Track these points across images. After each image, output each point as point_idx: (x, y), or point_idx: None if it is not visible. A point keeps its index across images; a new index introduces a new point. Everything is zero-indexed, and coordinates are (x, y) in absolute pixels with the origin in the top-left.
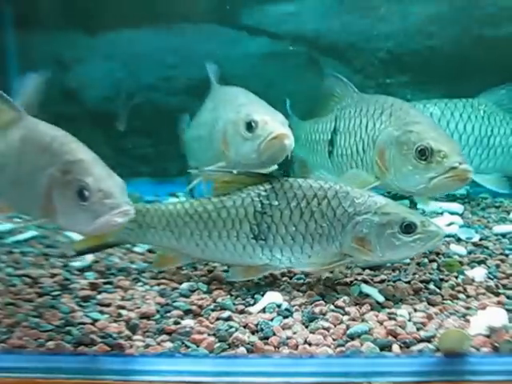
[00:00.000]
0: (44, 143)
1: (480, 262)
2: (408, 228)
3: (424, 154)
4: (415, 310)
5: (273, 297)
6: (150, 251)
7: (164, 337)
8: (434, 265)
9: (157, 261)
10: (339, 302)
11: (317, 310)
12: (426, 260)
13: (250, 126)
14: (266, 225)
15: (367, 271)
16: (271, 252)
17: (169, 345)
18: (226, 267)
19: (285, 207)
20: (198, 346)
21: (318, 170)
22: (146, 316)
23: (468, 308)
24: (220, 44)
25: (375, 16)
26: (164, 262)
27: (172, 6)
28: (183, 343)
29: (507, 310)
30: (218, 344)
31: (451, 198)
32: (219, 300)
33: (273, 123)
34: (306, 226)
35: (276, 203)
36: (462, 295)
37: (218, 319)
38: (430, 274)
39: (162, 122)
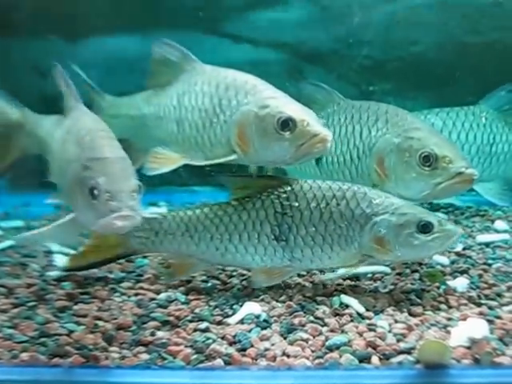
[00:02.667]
0: (79, 135)
1: (462, 272)
2: (425, 227)
3: (428, 161)
4: (396, 321)
5: (251, 307)
6: (128, 260)
7: (140, 348)
8: (416, 275)
9: (170, 271)
10: (319, 313)
11: (296, 321)
12: (407, 270)
13: (286, 125)
14: (286, 226)
15: (348, 281)
16: (292, 253)
17: (145, 356)
18: (204, 277)
19: (305, 208)
20: (174, 358)
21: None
22: (122, 327)
23: (449, 319)
24: (202, 52)
25: (358, 23)
26: (178, 270)
27: (154, 13)
28: (160, 355)
29: (489, 321)
30: (195, 356)
31: (435, 208)
32: (197, 311)
33: (313, 123)
34: (325, 227)
35: (296, 204)
36: (443, 306)
37: (195, 330)
38: (412, 284)
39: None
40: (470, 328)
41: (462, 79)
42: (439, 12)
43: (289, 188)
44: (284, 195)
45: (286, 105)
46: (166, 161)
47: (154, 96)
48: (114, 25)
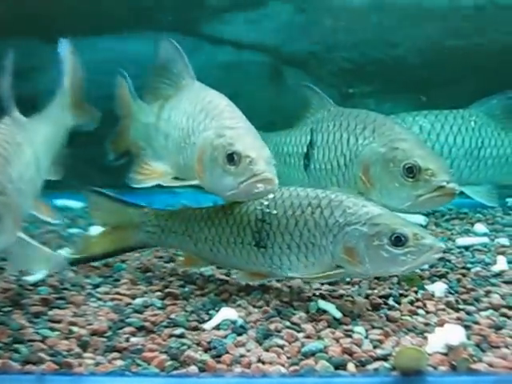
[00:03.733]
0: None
1: (441, 276)
2: (398, 240)
3: (411, 172)
4: (373, 327)
5: (227, 313)
6: (105, 265)
7: (115, 354)
8: (395, 279)
9: (183, 261)
10: (295, 319)
11: (272, 326)
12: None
13: (231, 159)
14: (265, 233)
15: (326, 286)
16: (271, 260)
17: (119, 363)
18: (182, 282)
19: (282, 215)
20: (149, 364)
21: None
22: (97, 333)
23: (427, 324)
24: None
25: (338, 25)
26: (190, 262)
27: (134, 14)
28: (134, 361)
29: (466, 327)
30: (170, 362)
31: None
32: (173, 316)
33: (258, 161)
34: (300, 235)
35: (274, 212)
36: (421, 311)
37: (170, 336)
38: (390, 288)
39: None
40: (447, 334)
41: (442, 82)
42: (419, 15)
43: (271, 195)
44: (266, 202)
45: (239, 137)
46: (151, 174)
47: (157, 107)
48: (93, 25)
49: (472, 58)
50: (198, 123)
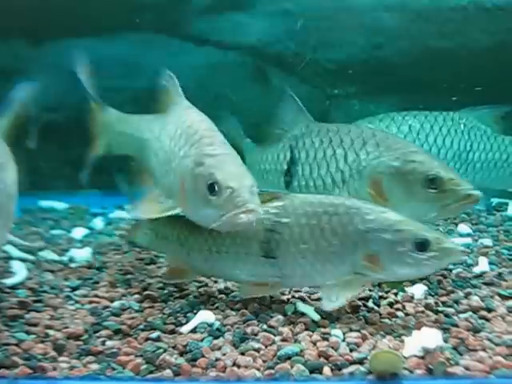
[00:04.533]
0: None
1: (422, 278)
2: (421, 246)
3: (434, 183)
4: (351, 330)
5: (205, 316)
6: (89, 267)
7: (90, 358)
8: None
9: (168, 272)
10: (272, 322)
11: (248, 330)
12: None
13: (212, 189)
14: (275, 243)
15: (305, 288)
16: (281, 270)
17: (95, 366)
18: (161, 285)
19: (295, 224)
20: (124, 368)
21: None
22: (73, 336)
23: (405, 327)
24: (166, 54)
25: (322, 26)
26: (175, 274)
27: (119, 15)
28: (109, 365)
29: (444, 329)
30: (145, 366)
31: None
32: (150, 319)
33: (240, 192)
34: (316, 244)
35: (286, 220)
36: (400, 313)
37: (146, 339)
38: (370, 290)
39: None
40: (424, 338)
41: (427, 83)
42: (403, 16)
43: (279, 203)
44: (274, 211)
45: (220, 166)
46: (153, 207)
47: (152, 123)
48: (78, 27)
49: (455, 59)
50: (178, 148)
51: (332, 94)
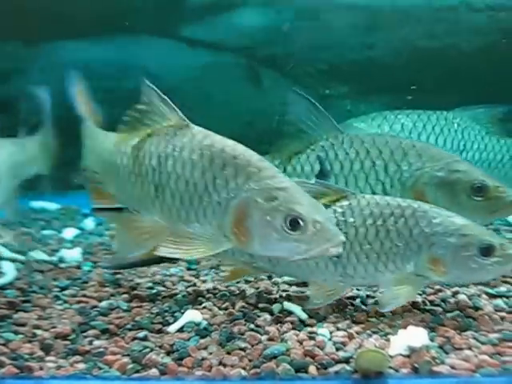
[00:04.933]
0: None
1: None
2: (486, 251)
3: (480, 191)
4: (337, 329)
5: (192, 315)
6: (77, 267)
7: (77, 357)
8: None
9: (228, 276)
10: (259, 321)
11: (235, 329)
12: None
13: (294, 224)
14: None
15: (294, 287)
16: (344, 269)
17: (81, 366)
18: (150, 284)
19: (361, 225)
20: (110, 367)
21: None
22: (61, 336)
23: (392, 326)
24: (159, 55)
25: (314, 27)
26: (236, 275)
27: (111, 17)
28: (96, 364)
29: (431, 328)
30: (131, 365)
31: None
32: (138, 319)
33: (327, 224)
34: (381, 245)
35: (351, 220)
36: (387, 312)
37: (134, 339)
38: (358, 289)
39: None
40: (410, 336)
41: (418, 83)
42: (394, 16)
43: (346, 203)
44: (340, 210)
45: (295, 199)
46: (144, 234)
47: (129, 147)
48: (71, 28)
49: (446, 59)
50: (223, 181)
51: (324, 94)
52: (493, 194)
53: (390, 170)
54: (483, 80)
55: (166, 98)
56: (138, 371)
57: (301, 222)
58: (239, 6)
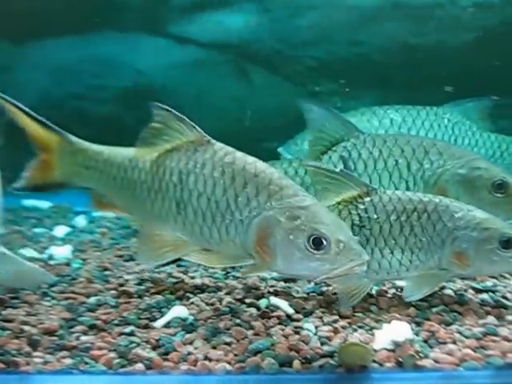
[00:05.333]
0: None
1: None
2: (507, 243)
3: (501, 188)
4: (323, 324)
5: (178, 311)
6: (67, 265)
7: (64, 353)
8: None
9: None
10: (246, 316)
11: (221, 324)
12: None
13: (318, 243)
14: (364, 238)
15: (281, 283)
16: (368, 265)
17: (68, 361)
18: (138, 281)
19: (384, 221)
20: (96, 362)
21: None
22: (48, 332)
23: (378, 321)
24: (147, 53)
25: (303, 24)
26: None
27: (99, 14)
28: (82, 359)
29: (416, 323)
30: (118, 360)
31: None
32: (125, 314)
33: (350, 244)
34: (405, 240)
35: (375, 216)
36: (374, 307)
37: (120, 334)
38: None
39: (91, 130)
40: (394, 331)
41: (407, 80)
42: (383, 13)
43: (368, 199)
44: (362, 206)
45: (318, 218)
46: (164, 246)
47: (146, 162)
48: (58, 26)
49: (436, 55)
50: (245, 199)
51: (314, 90)
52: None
53: (412, 168)
54: (469, 75)
55: (182, 116)
56: (123, 366)
57: (324, 242)
58: (227, 3)
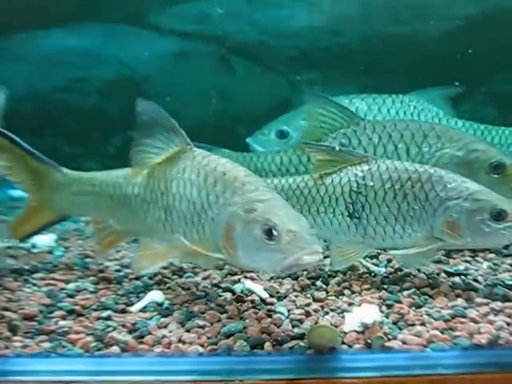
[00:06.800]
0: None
1: (372, 257)
2: (498, 215)
3: (498, 169)
4: (296, 307)
5: (154, 295)
6: (49, 252)
7: (43, 337)
8: (327, 260)
9: None
10: (220, 300)
11: (196, 308)
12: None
13: (270, 234)
14: (360, 204)
15: None
16: (364, 230)
17: (47, 345)
18: (118, 267)
19: (379, 188)
20: (74, 346)
21: None
22: (28, 317)
23: (350, 304)
24: (130, 44)
25: (283, 14)
26: None
27: (81, 5)
28: (60, 343)
29: (387, 305)
30: (94, 343)
31: None
32: (103, 299)
33: (302, 234)
34: (398, 208)
35: (371, 184)
36: (347, 291)
37: (98, 319)
38: (321, 270)
39: (76, 122)
40: (363, 313)
41: (387, 69)
42: (362, 3)
43: (367, 167)
44: (360, 174)
45: (274, 210)
46: (155, 257)
47: (140, 176)
48: (41, 18)
49: (413, 44)
50: (214, 197)
51: (294, 80)
52: (510, 171)
53: (411, 152)
54: (449, 64)
55: (173, 121)
56: (100, 349)
57: (275, 232)
58: None
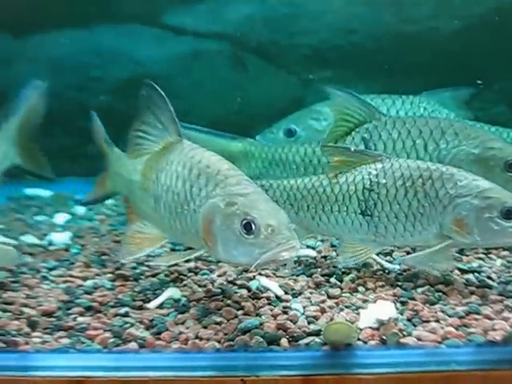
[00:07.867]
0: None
1: (386, 254)
2: (508, 213)
3: None
4: (311, 304)
5: (172, 292)
6: (66, 250)
7: (62, 333)
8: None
9: None
10: (236, 297)
11: (212, 305)
12: (334, 253)
13: (249, 228)
14: (372, 201)
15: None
16: (376, 228)
17: (65, 341)
18: (134, 264)
19: (391, 186)
20: (92, 342)
21: None
22: (47, 313)
23: (365, 301)
24: (144, 44)
25: (297, 13)
26: None
27: (95, 5)
28: (79, 339)
29: (401, 302)
30: (112, 339)
31: None
32: (120, 296)
33: (280, 229)
34: (408, 205)
35: (383, 181)
36: (361, 288)
37: (115, 315)
38: (335, 267)
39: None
40: (378, 310)
41: (400, 67)
42: (376, 1)
43: (380, 165)
44: (374, 172)
45: (254, 204)
46: (143, 241)
47: (140, 164)
48: (57, 19)
49: (427, 43)
50: (197, 189)
51: (307, 79)
52: None
53: (429, 148)
54: (462, 63)
55: (172, 111)
56: (118, 345)
57: (253, 226)
58: None
